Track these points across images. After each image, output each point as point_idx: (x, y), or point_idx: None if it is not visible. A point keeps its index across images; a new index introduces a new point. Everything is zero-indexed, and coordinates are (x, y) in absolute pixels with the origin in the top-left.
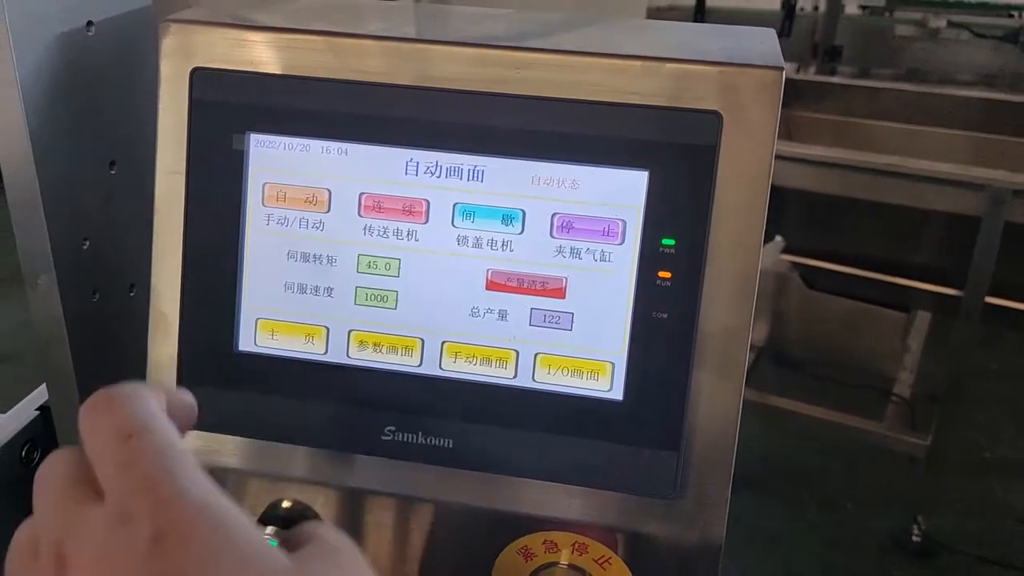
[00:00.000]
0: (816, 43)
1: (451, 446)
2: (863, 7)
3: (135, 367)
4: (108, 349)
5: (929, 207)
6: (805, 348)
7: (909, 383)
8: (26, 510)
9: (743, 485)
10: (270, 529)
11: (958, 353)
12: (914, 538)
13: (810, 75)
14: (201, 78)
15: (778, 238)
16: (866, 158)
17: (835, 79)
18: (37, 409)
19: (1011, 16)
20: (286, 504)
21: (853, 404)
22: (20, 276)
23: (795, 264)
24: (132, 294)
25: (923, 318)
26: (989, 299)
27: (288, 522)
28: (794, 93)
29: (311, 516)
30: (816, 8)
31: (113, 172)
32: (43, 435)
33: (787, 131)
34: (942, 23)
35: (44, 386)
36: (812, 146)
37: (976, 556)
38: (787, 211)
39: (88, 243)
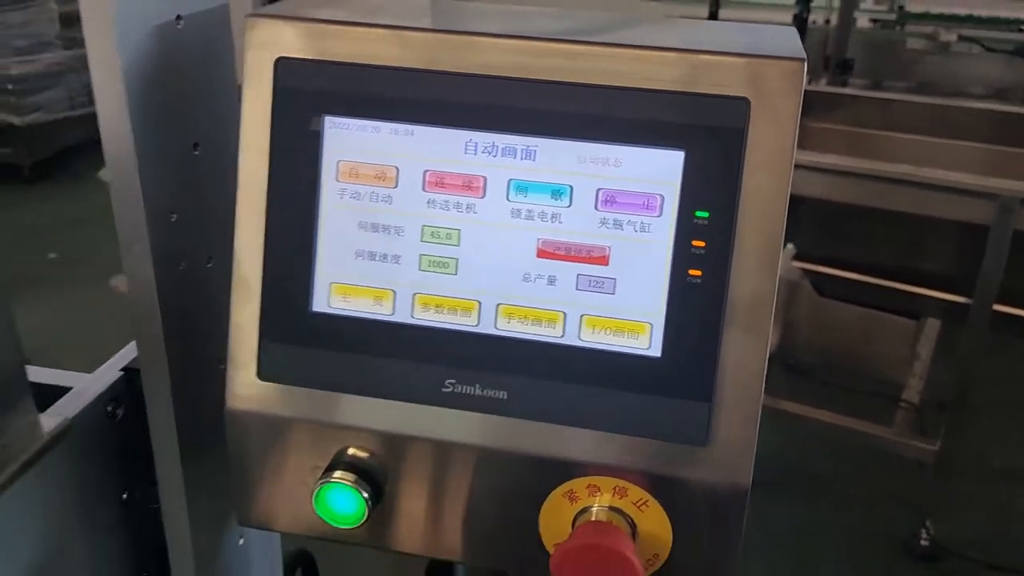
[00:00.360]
0: (828, 56)
1: (505, 398)
2: (874, 21)
3: (213, 330)
4: (191, 313)
5: (939, 216)
6: (816, 354)
7: (918, 389)
8: (110, 461)
9: (753, 487)
10: (338, 473)
11: (967, 360)
12: (922, 542)
13: (822, 86)
14: (284, 67)
15: (789, 245)
16: (878, 167)
17: (847, 90)
18: (120, 370)
19: (1021, 31)
20: (352, 451)
21: (863, 409)
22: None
23: (806, 271)
24: (210, 265)
25: (932, 325)
26: (998, 307)
27: (353, 468)
28: (806, 104)
29: (376, 463)
30: (828, 22)
31: (196, 153)
32: (126, 394)
33: (799, 140)
34: (953, 37)
35: (125, 349)
36: (824, 154)
37: (983, 561)
38: (798, 218)
39: (176, 216)
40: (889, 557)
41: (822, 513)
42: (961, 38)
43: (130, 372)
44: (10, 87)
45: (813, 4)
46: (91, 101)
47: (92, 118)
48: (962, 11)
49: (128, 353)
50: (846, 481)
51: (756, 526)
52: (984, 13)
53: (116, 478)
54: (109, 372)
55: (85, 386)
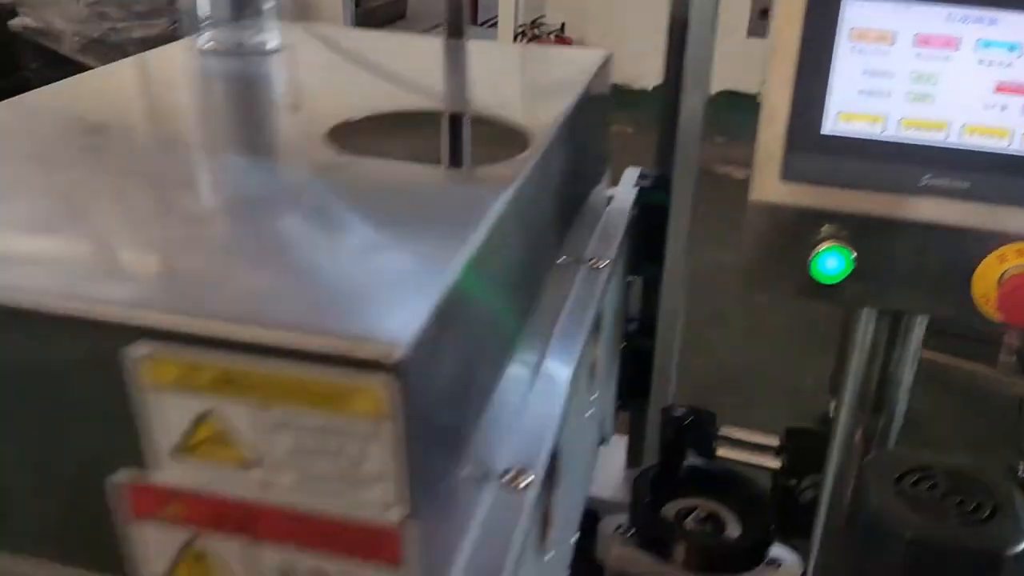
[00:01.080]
0: None
1: (968, 187)
2: None
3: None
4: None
5: None
6: None
7: (1019, 334)
8: (627, 249)
9: None
10: (832, 241)
11: None
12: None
13: None
14: None
15: None
16: None
17: None
18: (634, 186)
19: None
20: (843, 231)
21: (966, 351)
22: None
23: None
24: None
25: None
26: None
27: (842, 238)
28: None
29: (860, 240)
30: None
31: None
32: (637, 202)
33: None
34: None
35: (627, 174)
36: None
37: None
38: None
39: None
40: None
41: (925, 445)
42: None
43: (640, 189)
44: (131, 50)
45: None
46: None
47: None
48: None
49: (632, 174)
50: (949, 416)
51: None
52: None
53: (625, 264)
54: (628, 188)
55: (620, 196)
